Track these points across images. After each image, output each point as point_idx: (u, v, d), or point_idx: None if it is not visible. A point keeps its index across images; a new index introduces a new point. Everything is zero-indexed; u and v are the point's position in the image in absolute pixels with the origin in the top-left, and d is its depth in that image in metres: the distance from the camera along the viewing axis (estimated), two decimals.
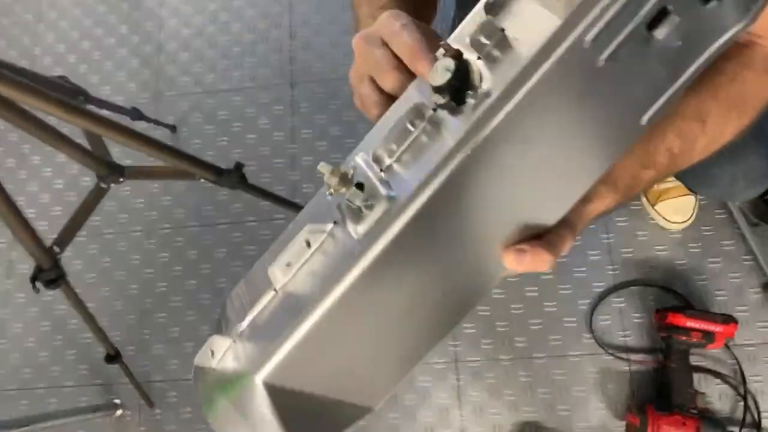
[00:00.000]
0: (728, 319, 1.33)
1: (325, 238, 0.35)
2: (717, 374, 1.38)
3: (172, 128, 1.70)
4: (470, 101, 0.32)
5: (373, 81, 0.41)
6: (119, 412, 1.50)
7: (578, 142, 0.34)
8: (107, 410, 1.47)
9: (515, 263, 0.37)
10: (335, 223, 0.35)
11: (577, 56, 0.29)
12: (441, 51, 0.35)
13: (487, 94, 0.31)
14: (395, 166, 0.34)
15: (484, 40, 0.32)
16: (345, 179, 0.34)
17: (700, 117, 0.46)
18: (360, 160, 0.37)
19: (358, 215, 0.34)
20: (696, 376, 1.36)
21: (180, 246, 1.62)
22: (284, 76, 1.73)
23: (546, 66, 0.29)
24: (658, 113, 0.33)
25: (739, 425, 1.35)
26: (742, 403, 1.36)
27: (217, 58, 1.77)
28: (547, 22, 0.29)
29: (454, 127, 0.32)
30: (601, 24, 0.29)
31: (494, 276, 0.39)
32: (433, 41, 0.38)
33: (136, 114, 1.44)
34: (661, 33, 0.29)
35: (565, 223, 0.39)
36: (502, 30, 0.32)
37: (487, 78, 0.32)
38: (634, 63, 0.31)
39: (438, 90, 0.33)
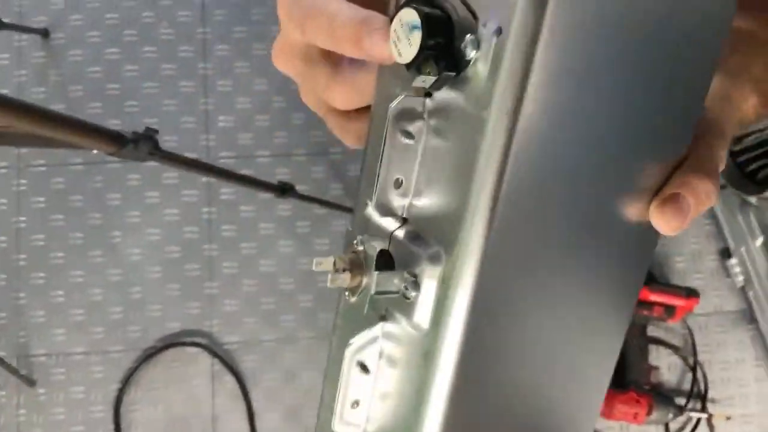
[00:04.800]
0: (692, 293, 1.26)
1: (382, 350, 0.28)
2: (670, 346, 1.32)
3: (44, 33, 1.32)
4: (473, 53, 0.23)
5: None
6: None
7: None
8: None
9: (676, 217, 0.26)
10: (383, 318, 0.27)
11: None
12: (391, 8, 0.26)
13: (498, 30, 0.22)
14: (417, 205, 0.26)
15: None
16: (358, 265, 0.27)
17: None
18: (364, 217, 0.28)
19: (404, 304, 0.26)
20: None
21: (61, 189, 1.30)
22: None
23: None
24: None
25: (686, 396, 1.31)
26: (690, 374, 1.32)
27: None
28: None
29: (475, 97, 0.23)
30: None
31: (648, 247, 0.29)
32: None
33: None
34: None
35: (711, 129, 0.29)
36: None
37: (480, 2, 0.23)
38: None
39: (415, 65, 0.24)
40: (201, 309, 1.28)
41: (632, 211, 0.27)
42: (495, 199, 0.23)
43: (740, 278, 1.34)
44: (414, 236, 0.26)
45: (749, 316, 1.34)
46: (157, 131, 0.69)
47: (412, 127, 0.26)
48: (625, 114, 0.25)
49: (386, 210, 0.27)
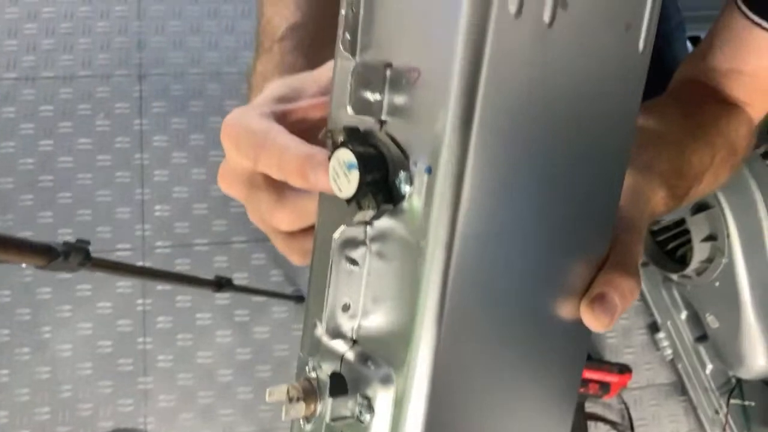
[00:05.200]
0: (624, 369, 1.30)
1: None
2: (608, 422, 1.35)
3: None
4: (407, 188, 0.25)
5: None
6: None
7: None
8: None
9: (605, 314, 0.28)
10: None
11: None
12: (329, 145, 0.27)
13: (428, 169, 0.24)
14: (366, 327, 0.27)
15: (370, 94, 0.25)
16: (311, 392, 0.27)
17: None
18: (315, 339, 0.29)
19: (359, 428, 0.26)
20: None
21: None
22: (130, 66, 1.39)
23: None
24: None
25: None
26: None
27: (39, 35, 1.38)
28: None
29: (412, 227, 0.25)
30: None
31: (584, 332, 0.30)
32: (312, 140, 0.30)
33: None
34: None
35: (626, 226, 0.31)
36: (389, 65, 0.25)
37: (409, 142, 0.24)
38: None
39: (356, 200, 0.25)
40: (134, 406, 1.23)
41: (566, 311, 0.29)
42: (438, 320, 0.24)
43: (669, 351, 1.39)
44: (365, 358, 0.27)
45: (680, 388, 1.39)
46: (88, 242, 0.69)
47: (355, 254, 0.27)
48: (550, 227, 0.27)
49: (336, 332, 0.28)
